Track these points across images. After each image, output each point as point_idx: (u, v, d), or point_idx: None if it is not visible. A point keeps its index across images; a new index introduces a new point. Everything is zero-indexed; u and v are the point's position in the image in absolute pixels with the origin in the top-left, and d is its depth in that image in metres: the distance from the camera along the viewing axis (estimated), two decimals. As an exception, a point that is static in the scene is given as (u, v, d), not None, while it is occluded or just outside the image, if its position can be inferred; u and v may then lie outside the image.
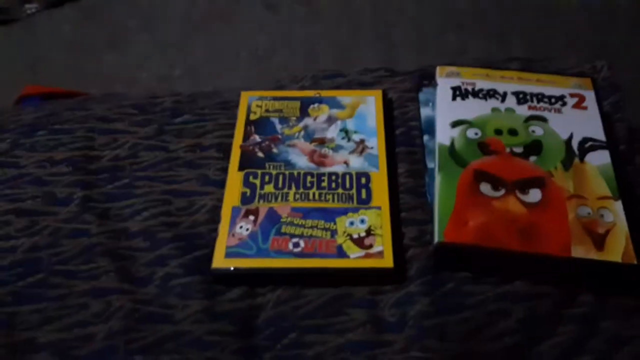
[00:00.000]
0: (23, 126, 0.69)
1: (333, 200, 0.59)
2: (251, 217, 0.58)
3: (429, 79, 0.71)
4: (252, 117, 0.69)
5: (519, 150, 0.61)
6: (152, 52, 1.38)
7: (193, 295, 0.53)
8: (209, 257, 0.55)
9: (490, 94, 0.67)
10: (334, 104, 0.70)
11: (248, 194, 0.60)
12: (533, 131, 0.63)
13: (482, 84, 0.68)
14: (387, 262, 0.55)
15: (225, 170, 0.63)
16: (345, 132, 0.67)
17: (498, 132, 0.62)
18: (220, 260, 0.55)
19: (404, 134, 0.67)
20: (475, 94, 0.67)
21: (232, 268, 0.54)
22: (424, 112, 0.68)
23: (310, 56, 1.37)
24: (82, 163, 0.64)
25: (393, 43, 1.41)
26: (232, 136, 0.66)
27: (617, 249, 0.52)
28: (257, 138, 0.66)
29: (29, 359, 0.49)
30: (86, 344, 0.49)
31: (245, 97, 0.71)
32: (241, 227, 0.57)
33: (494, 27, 1.46)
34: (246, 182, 0.61)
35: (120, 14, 1.54)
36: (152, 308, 0.52)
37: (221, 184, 0.61)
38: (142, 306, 0.52)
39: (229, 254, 0.55)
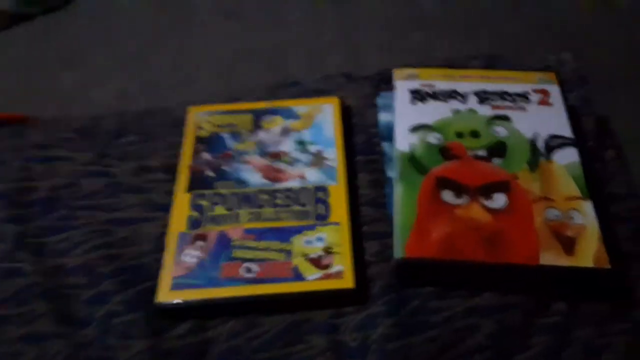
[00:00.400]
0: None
1: (288, 219, 0.55)
2: (200, 243, 0.54)
3: (388, 83, 0.67)
4: (201, 133, 0.64)
5: (482, 153, 0.57)
6: (110, 69, 1.33)
7: (136, 334, 0.48)
8: (153, 290, 0.50)
9: (451, 95, 0.64)
10: (288, 114, 0.66)
11: (196, 217, 0.56)
12: (496, 132, 0.59)
13: (442, 85, 0.64)
14: (347, 282, 0.51)
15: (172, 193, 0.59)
16: (300, 143, 0.63)
17: (459, 135, 0.59)
18: (165, 294, 0.50)
19: (364, 142, 0.64)
20: (435, 95, 0.63)
21: (178, 301, 0.50)
22: (384, 117, 0.65)
23: (275, 65, 1.33)
24: (16, 196, 0.59)
25: (358, 46, 1.37)
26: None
27: (588, 253, 0.49)
28: (207, 156, 0.62)
29: None
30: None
31: (193, 113, 0.67)
32: (188, 254, 0.53)
33: (460, 25, 1.44)
34: (194, 205, 0.57)
35: (74, 33, 1.49)
36: (92, 351, 0.47)
37: (168, 208, 0.57)
38: (81, 351, 0.47)
39: (175, 286, 0.51)
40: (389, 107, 0.65)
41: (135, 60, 1.37)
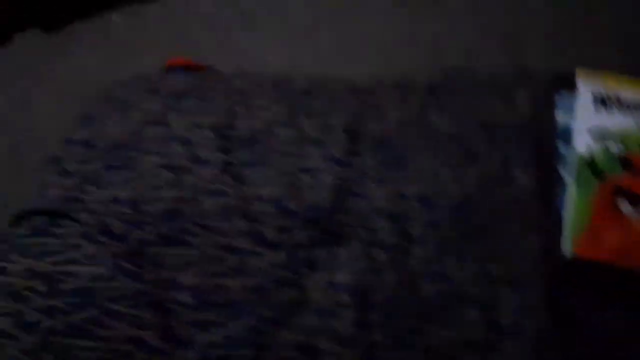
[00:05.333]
0: (174, 93, 0.76)
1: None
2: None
3: (566, 83, 0.69)
4: None
5: (664, 170, 0.57)
6: (282, 37, 1.44)
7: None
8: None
9: (635, 106, 0.64)
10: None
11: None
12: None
13: (627, 95, 0.65)
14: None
15: (349, 151, 0.65)
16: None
17: (643, 148, 0.59)
18: None
19: (537, 139, 0.66)
20: (620, 104, 0.64)
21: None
22: (559, 117, 0.67)
23: (436, 55, 1.36)
24: (224, 130, 0.69)
25: (522, 45, 1.36)
26: (358, 120, 0.69)
27: None
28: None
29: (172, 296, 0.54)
30: (222, 292, 0.54)
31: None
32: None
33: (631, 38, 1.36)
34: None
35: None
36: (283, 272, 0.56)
37: (344, 164, 0.64)
38: (274, 269, 0.56)
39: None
40: (566, 108, 0.66)
41: (305, 32, 1.47)
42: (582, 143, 0.60)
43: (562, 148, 0.63)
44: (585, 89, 0.66)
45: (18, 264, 0.61)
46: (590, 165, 0.58)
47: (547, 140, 0.65)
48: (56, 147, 0.76)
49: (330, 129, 0.70)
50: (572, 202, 0.56)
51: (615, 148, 0.60)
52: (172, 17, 1.56)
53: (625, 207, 0.54)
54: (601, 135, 0.61)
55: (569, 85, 0.68)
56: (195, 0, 1.60)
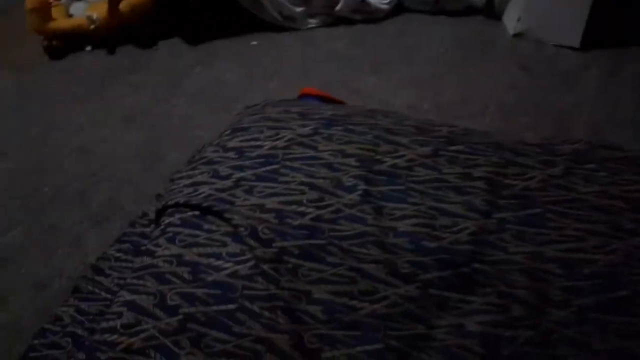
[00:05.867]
0: (323, 119, 0.81)
1: None
2: None
3: None
4: None
5: None
6: (406, 83, 1.49)
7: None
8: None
9: None
10: None
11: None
12: None
13: None
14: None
15: (489, 202, 0.67)
16: None
17: None
18: None
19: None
20: None
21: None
22: None
23: (561, 125, 1.34)
24: (367, 162, 0.73)
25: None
26: (500, 174, 0.70)
27: None
28: None
29: (304, 306, 0.57)
30: (351, 312, 0.57)
31: None
32: None
33: None
34: None
35: (382, 43, 1.69)
36: (412, 306, 0.57)
37: (484, 214, 0.65)
38: (404, 301, 0.58)
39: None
40: None
41: (429, 81, 1.50)
42: None
43: None
44: None
45: (166, 249, 0.66)
46: None
47: None
48: (206, 149, 0.82)
49: (472, 178, 0.71)
50: None
51: None
52: (305, 49, 1.65)
53: None
54: None
55: None
56: (327, 37, 1.70)
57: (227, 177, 0.73)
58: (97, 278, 0.85)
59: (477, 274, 0.59)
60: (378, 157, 0.74)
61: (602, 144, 0.78)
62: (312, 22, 1.79)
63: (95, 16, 1.69)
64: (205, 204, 0.69)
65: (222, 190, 0.71)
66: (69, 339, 0.73)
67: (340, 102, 1.13)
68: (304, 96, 1.18)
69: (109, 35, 1.73)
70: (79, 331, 0.74)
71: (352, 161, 0.73)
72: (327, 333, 0.57)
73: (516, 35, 1.67)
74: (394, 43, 1.69)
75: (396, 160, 0.73)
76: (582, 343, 0.52)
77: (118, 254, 0.89)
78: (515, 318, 0.55)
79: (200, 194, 0.72)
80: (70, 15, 1.82)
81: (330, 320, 0.57)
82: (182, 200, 0.71)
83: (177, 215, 0.70)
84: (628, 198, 0.66)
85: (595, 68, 1.57)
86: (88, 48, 1.75)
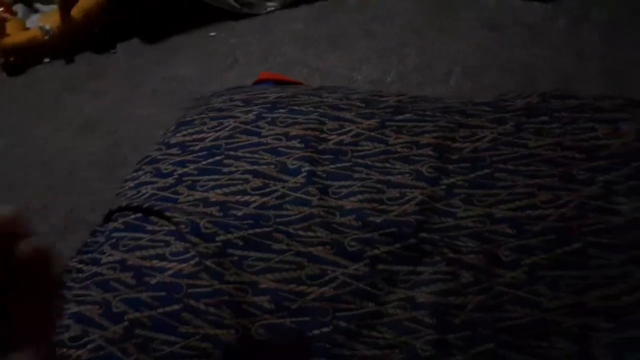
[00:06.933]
0: (267, 103, 0.78)
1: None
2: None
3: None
4: None
5: None
6: (369, 57, 1.46)
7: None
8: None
9: None
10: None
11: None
12: None
13: None
14: None
15: (438, 169, 0.64)
16: None
17: None
18: None
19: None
20: None
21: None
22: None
23: (527, 81, 1.32)
24: (312, 142, 0.70)
25: (623, 78, 1.28)
26: (449, 138, 0.68)
27: None
28: None
29: (250, 298, 0.55)
30: (299, 299, 0.54)
31: None
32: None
33: None
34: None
35: (344, 19, 1.66)
36: (361, 284, 0.55)
37: (432, 181, 0.63)
38: (352, 280, 0.56)
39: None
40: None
41: (392, 52, 1.47)
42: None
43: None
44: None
45: (110, 256, 0.64)
46: None
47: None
48: (151, 148, 0.80)
49: (419, 146, 0.69)
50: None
51: None
52: (265, 34, 1.62)
53: None
54: None
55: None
56: (287, 18, 1.66)
57: (169, 175, 0.70)
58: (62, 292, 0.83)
59: (426, 244, 0.57)
60: (323, 135, 0.71)
61: (556, 94, 0.75)
62: (271, 5, 1.76)
63: (47, 27, 1.66)
64: (146, 205, 0.66)
65: (165, 188, 0.69)
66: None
67: (298, 83, 1.10)
68: (260, 82, 1.15)
69: (65, 44, 1.69)
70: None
71: (296, 143, 0.70)
72: (275, 322, 0.55)
73: (479, -6, 1.64)
74: (355, 17, 1.65)
75: (342, 137, 0.71)
76: (533, 302, 0.51)
77: (80, 265, 0.87)
78: (464, 285, 0.53)
79: (143, 195, 0.69)
80: (26, 29, 1.78)
81: (278, 309, 0.55)
82: (124, 204, 0.69)
83: (121, 220, 0.68)
84: (582, 147, 0.64)
85: (562, 18, 1.53)
86: (46, 60, 1.72)
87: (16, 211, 0.32)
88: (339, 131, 0.72)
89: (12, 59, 1.69)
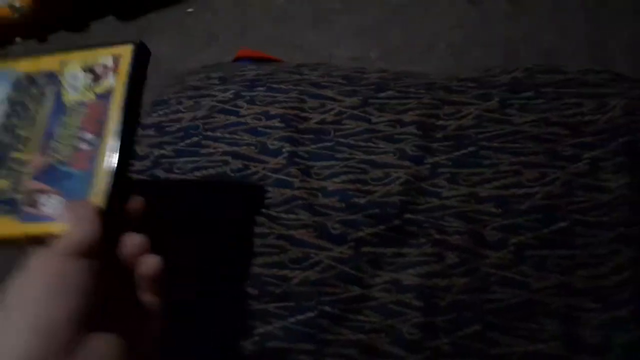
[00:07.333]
0: (245, 81, 0.75)
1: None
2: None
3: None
4: None
5: None
6: (350, 34, 1.43)
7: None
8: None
9: None
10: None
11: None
12: None
13: None
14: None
15: (422, 147, 0.63)
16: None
17: None
18: None
19: (629, 143, 0.61)
20: None
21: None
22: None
23: (511, 56, 1.31)
24: (292, 121, 0.68)
25: (608, 53, 1.28)
26: (433, 116, 0.66)
27: None
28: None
29: (234, 285, 0.54)
30: (283, 283, 0.53)
31: None
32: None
33: None
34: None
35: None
36: (346, 268, 0.54)
37: (417, 160, 0.61)
38: (337, 264, 0.54)
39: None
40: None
41: (373, 29, 1.45)
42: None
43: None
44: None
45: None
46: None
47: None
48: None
49: (403, 124, 0.67)
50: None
51: None
52: (243, 10, 1.58)
53: None
54: None
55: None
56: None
57: (145, 157, 0.68)
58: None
59: (411, 225, 0.56)
60: (304, 114, 0.69)
61: (541, 69, 0.74)
62: (249, -20, 1.71)
63: (17, 4, 1.59)
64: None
65: (141, 171, 0.66)
66: None
67: (278, 60, 1.07)
68: (239, 59, 1.12)
69: (38, 23, 1.63)
70: None
71: (276, 122, 0.68)
72: (259, 308, 0.53)
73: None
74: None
75: (323, 116, 0.69)
76: (520, 283, 0.50)
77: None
78: (450, 266, 0.52)
79: (119, 178, 0.67)
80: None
81: (261, 295, 0.54)
82: (99, 188, 0.66)
83: (96, 205, 0.65)
84: (568, 123, 0.63)
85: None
86: (18, 39, 1.66)
87: None
88: (321, 110, 0.69)
89: (-19, 39, 1.63)
